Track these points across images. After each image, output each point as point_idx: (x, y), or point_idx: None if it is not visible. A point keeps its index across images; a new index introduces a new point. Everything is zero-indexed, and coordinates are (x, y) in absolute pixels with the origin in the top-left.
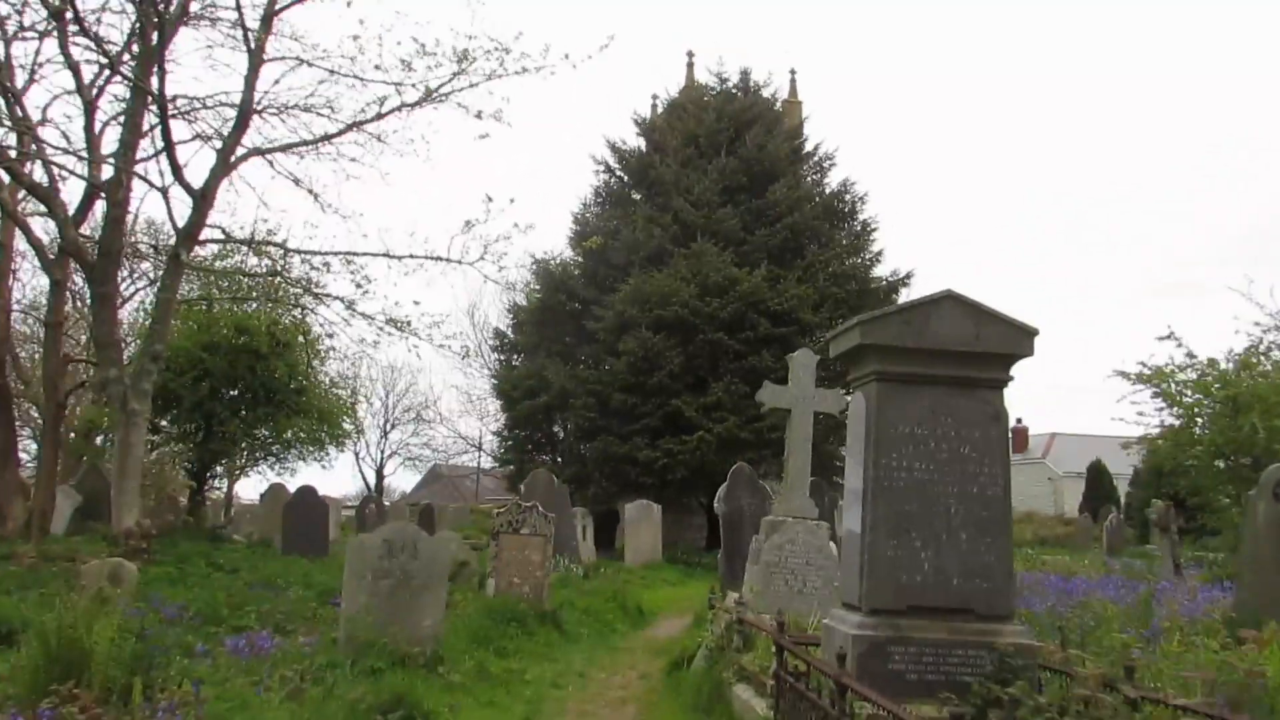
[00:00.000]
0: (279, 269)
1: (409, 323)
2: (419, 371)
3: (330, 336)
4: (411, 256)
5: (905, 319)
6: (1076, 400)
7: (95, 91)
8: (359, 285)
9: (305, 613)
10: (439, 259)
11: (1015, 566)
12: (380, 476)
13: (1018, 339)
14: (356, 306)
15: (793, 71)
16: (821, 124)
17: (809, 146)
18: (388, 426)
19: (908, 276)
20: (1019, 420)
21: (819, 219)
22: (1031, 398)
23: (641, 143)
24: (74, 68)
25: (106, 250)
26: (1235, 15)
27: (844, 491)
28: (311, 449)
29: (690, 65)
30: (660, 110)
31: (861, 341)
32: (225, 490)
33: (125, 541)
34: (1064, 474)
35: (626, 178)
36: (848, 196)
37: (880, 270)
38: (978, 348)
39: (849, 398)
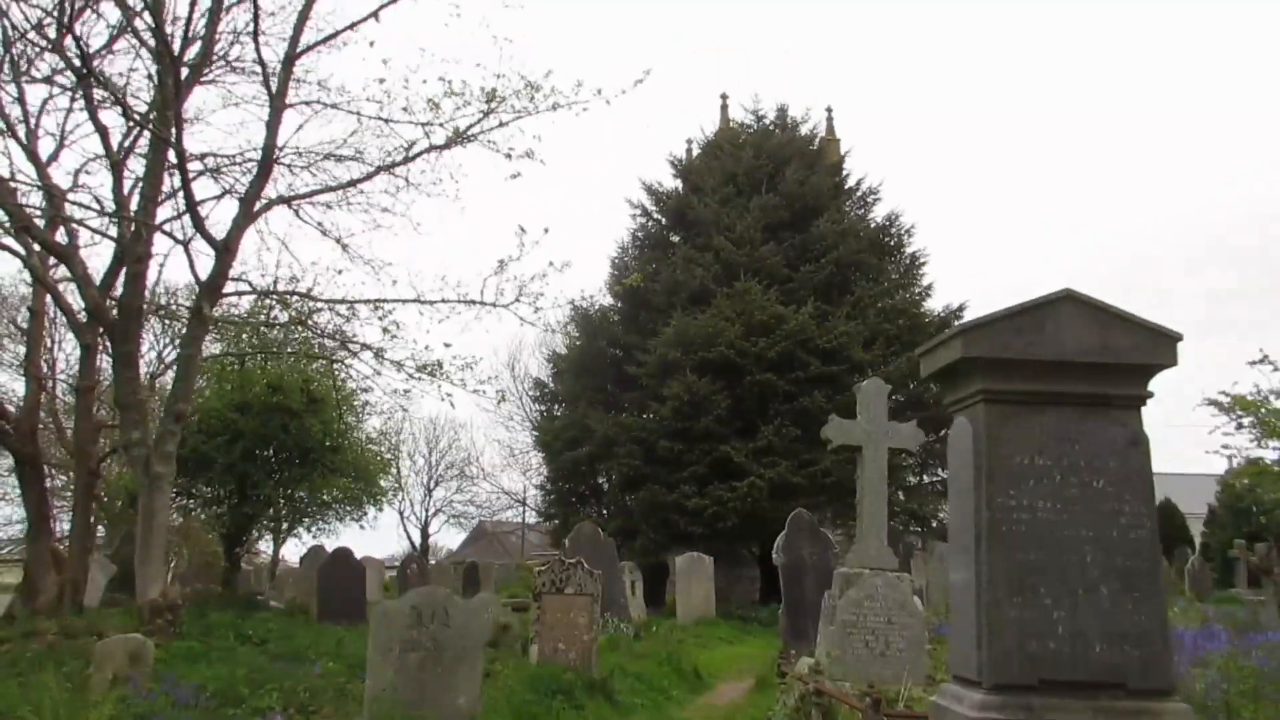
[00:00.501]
0: (304, 318)
1: (440, 365)
2: (461, 427)
3: (365, 391)
4: (444, 301)
5: (1016, 325)
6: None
7: (122, 152)
8: (386, 330)
9: (333, 688)
10: (472, 302)
11: None
12: (425, 535)
13: (1156, 346)
14: (386, 354)
15: (829, 110)
16: (862, 159)
17: (851, 182)
18: (431, 484)
19: (960, 309)
20: None
21: (865, 253)
22: None
23: (678, 184)
24: (102, 130)
25: (127, 308)
26: None
27: (949, 539)
28: (350, 508)
29: (724, 107)
30: (695, 152)
31: (964, 354)
32: (272, 553)
33: (150, 615)
34: None
35: (664, 220)
36: (894, 229)
37: (931, 304)
38: (1107, 358)
39: (936, 429)
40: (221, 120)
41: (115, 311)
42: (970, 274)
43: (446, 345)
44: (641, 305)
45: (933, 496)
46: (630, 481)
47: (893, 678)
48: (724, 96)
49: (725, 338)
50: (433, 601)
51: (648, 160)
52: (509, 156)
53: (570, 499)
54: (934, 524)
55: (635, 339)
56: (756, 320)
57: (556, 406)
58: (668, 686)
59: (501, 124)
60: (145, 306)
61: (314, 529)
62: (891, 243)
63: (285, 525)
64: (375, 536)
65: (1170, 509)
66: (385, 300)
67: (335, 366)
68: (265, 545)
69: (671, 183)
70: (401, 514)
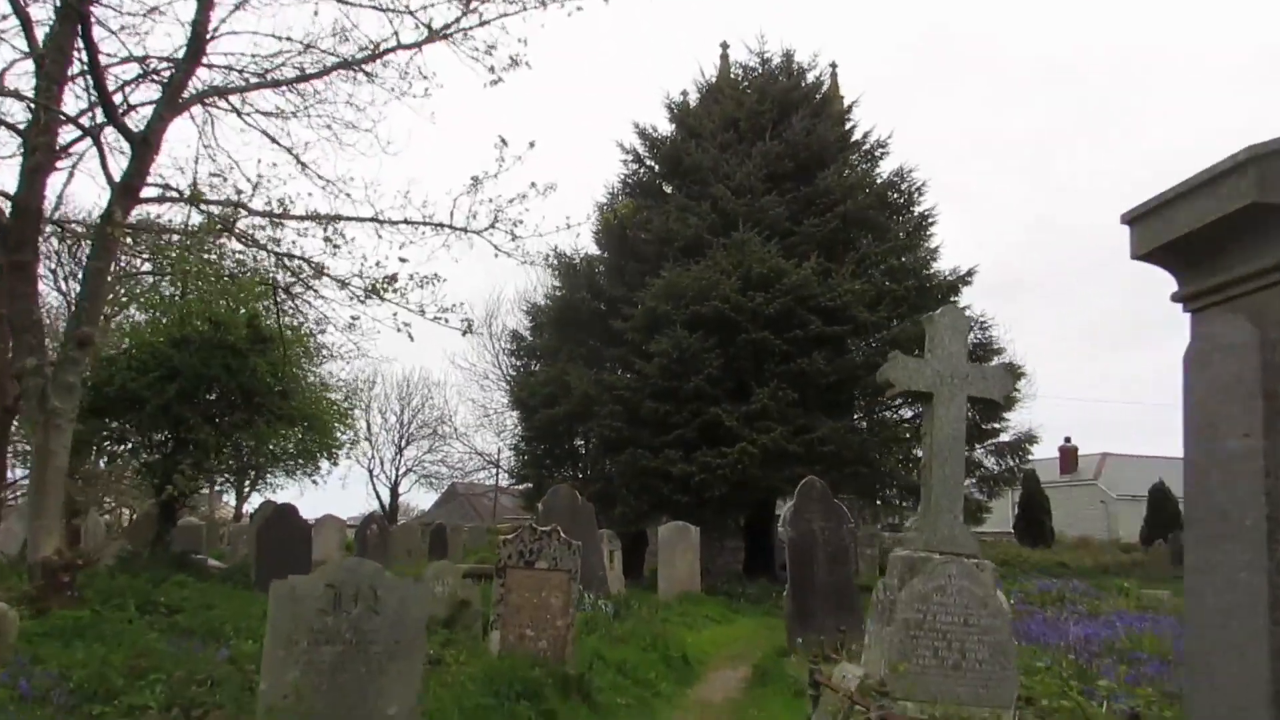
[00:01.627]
0: (228, 224)
1: (394, 280)
2: (435, 385)
3: (320, 331)
4: (406, 222)
5: None
6: (1128, 420)
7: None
8: (329, 240)
9: (238, 681)
10: (441, 225)
11: (1121, 605)
12: (395, 495)
13: None
14: (327, 270)
15: (834, 65)
16: (869, 111)
17: (858, 134)
18: (402, 442)
19: (969, 273)
20: (1067, 439)
21: (873, 209)
22: (1080, 417)
23: (674, 129)
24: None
25: (23, 208)
26: None
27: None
28: (302, 462)
29: (724, 57)
30: (694, 98)
31: (1260, 199)
32: (235, 509)
33: (41, 576)
34: (1118, 497)
35: (658, 167)
36: (903, 185)
37: (940, 266)
38: None
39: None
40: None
41: (9, 212)
42: (978, 241)
43: (402, 260)
44: (630, 255)
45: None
46: (611, 444)
47: (970, 698)
48: (724, 45)
49: (720, 291)
50: (356, 579)
51: (641, 104)
52: (490, 52)
53: (545, 461)
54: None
55: (622, 291)
56: (755, 274)
57: (534, 362)
58: (655, 679)
59: (483, 22)
60: (47, 213)
61: (269, 484)
62: (900, 200)
63: (229, 478)
64: (344, 495)
65: (1164, 492)
66: (335, 218)
67: (281, 300)
68: (231, 500)
69: (667, 127)
70: (371, 472)
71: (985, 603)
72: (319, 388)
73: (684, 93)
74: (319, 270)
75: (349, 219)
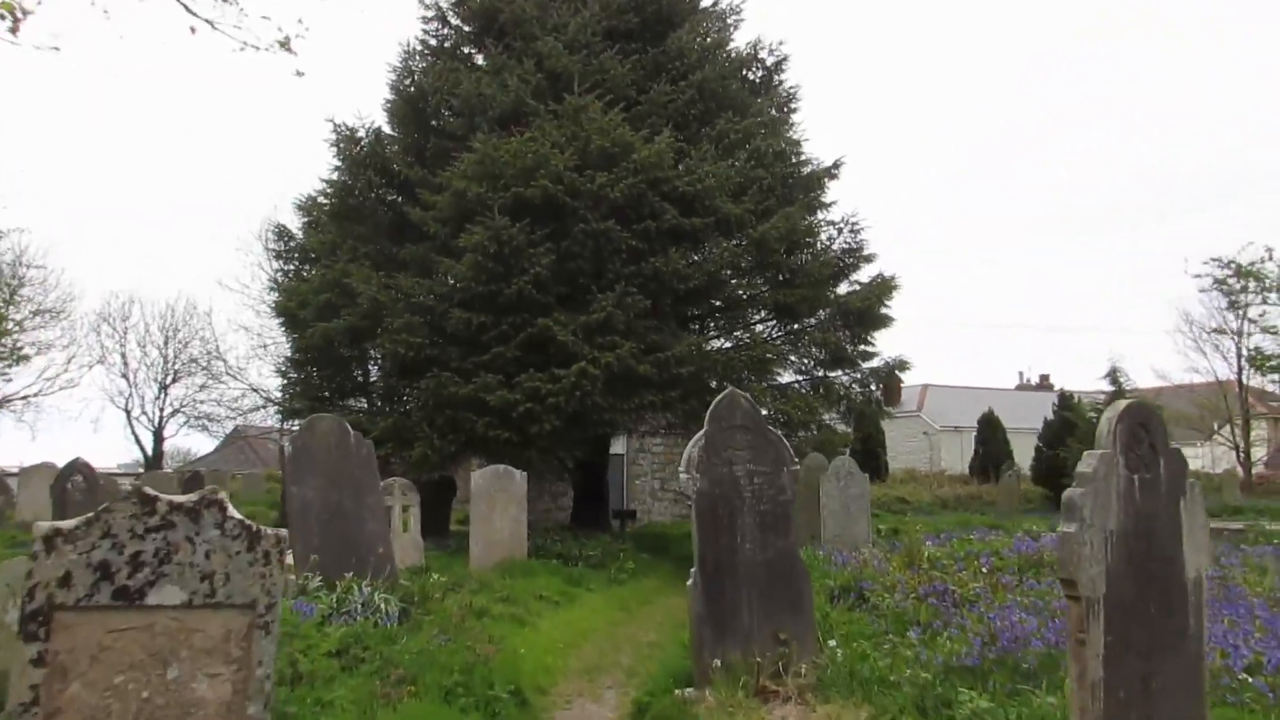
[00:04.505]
0: None
1: None
2: (205, 315)
3: None
4: None
5: None
6: (938, 353)
7: None
8: None
9: None
10: None
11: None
12: (159, 440)
13: None
14: None
15: None
16: None
17: None
18: (166, 379)
19: (836, 165)
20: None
21: (731, 81)
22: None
23: None
24: None
25: None
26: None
27: None
28: None
29: None
30: None
31: None
32: None
33: None
34: (941, 428)
35: (467, 26)
36: (764, 56)
37: (811, 150)
38: None
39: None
40: None
41: None
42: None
43: None
44: (430, 133)
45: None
46: (407, 365)
47: None
48: None
49: (551, 168)
50: None
51: None
52: None
53: (324, 391)
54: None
55: (420, 174)
56: (595, 147)
57: (307, 268)
58: None
59: None
60: None
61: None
62: (761, 75)
63: None
64: (97, 440)
65: (994, 422)
66: None
67: None
68: None
69: None
70: (129, 413)
71: None
72: None
73: None
74: None
75: None
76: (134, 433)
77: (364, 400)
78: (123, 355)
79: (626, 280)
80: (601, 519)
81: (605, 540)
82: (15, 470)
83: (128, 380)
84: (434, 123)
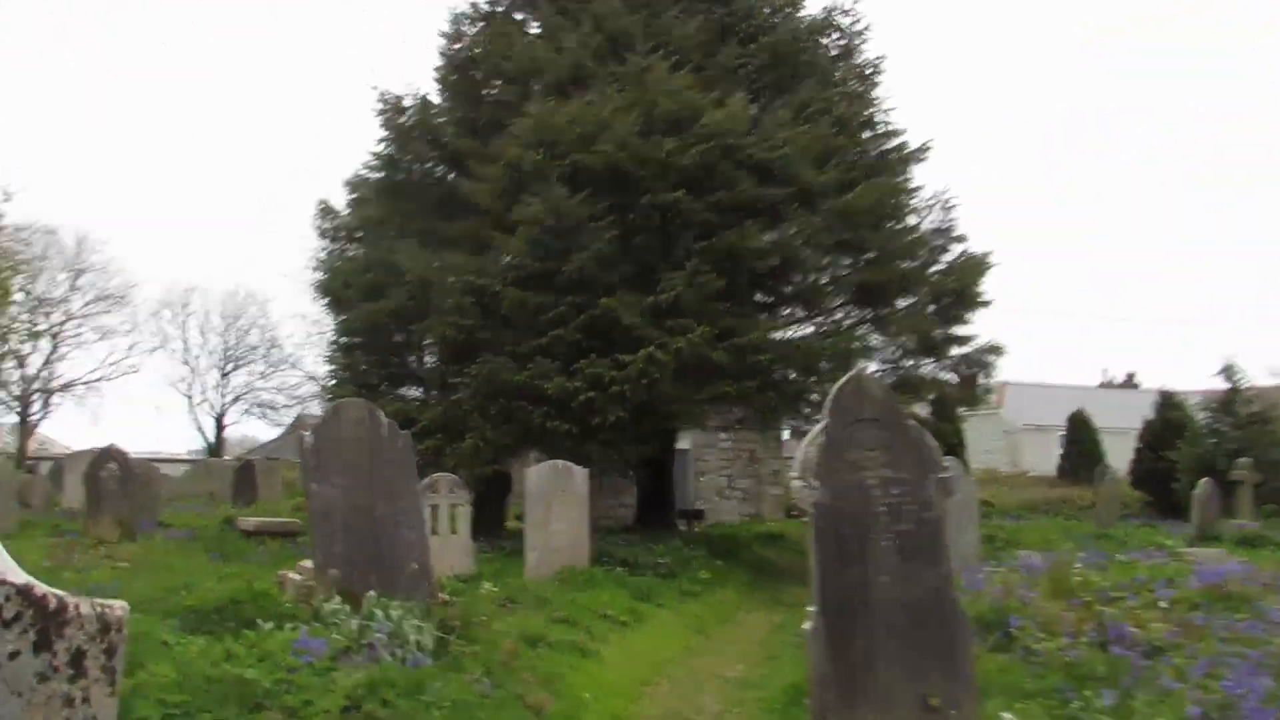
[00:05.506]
0: None
1: None
2: (268, 302)
3: None
4: None
5: None
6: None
7: None
8: None
9: None
10: None
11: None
12: (220, 427)
13: None
14: None
15: None
16: None
17: None
18: (228, 367)
19: (924, 149)
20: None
21: (808, 45)
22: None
23: None
24: None
25: None
26: None
27: None
28: None
29: None
30: None
31: None
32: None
33: None
34: (1022, 427)
35: None
36: (842, 22)
37: (895, 128)
38: None
39: None
40: None
41: None
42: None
43: None
44: (481, 100)
45: None
46: (457, 349)
47: None
48: None
49: (613, 133)
50: None
51: None
52: None
53: (370, 377)
54: None
55: (471, 144)
56: (662, 111)
57: (353, 247)
58: None
59: None
60: None
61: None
62: (839, 45)
63: None
64: (164, 427)
65: (1083, 421)
66: None
67: None
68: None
69: None
70: (191, 400)
71: None
72: None
73: None
74: None
75: None
76: (196, 419)
77: (418, 389)
78: (184, 342)
79: (698, 257)
80: (667, 520)
81: (674, 546)
82: (66, 455)
83: (189, 367)
84: (485, 91)
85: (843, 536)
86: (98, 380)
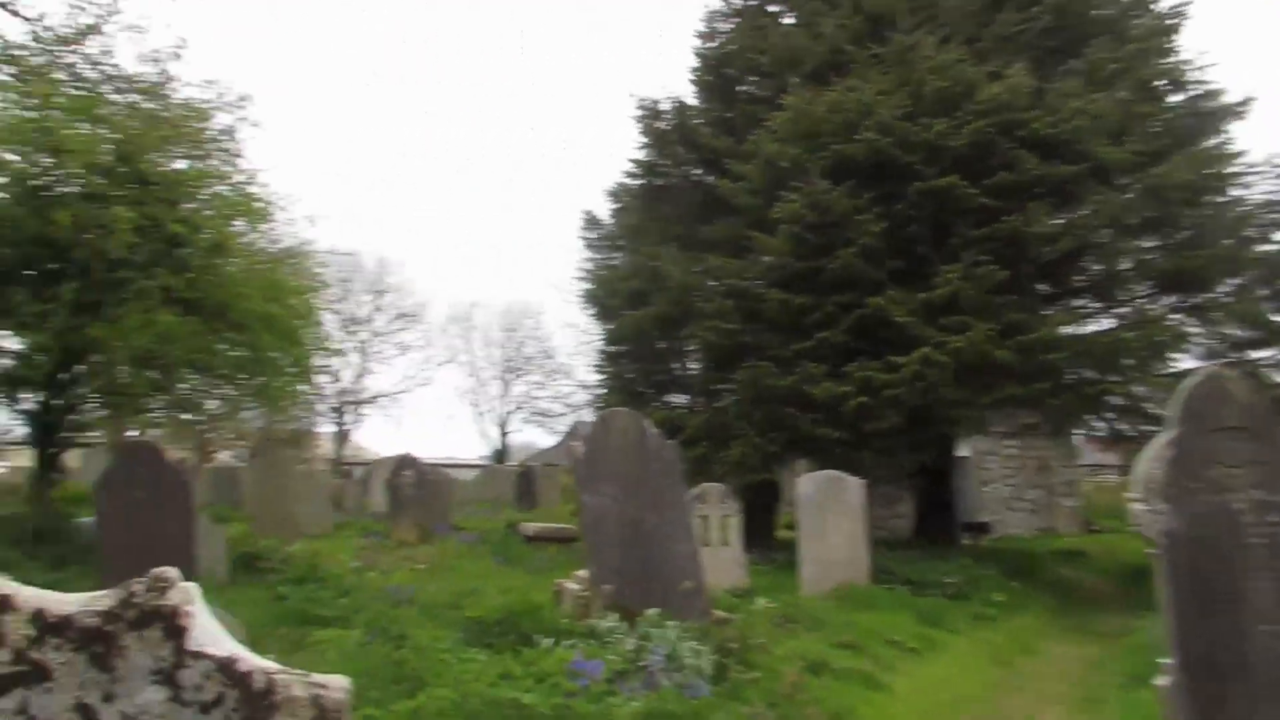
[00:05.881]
0: None
1: None
2: (541, 314)
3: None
4: None
5: None
6: None
7: None
8: None
9: None
10: None
11: None
12: (504, 434)
13: None
14: None
15: None
16: None
17: None
18: (509, 377)
19: (1243, 103)
20: None
21: (1096, 4)
22: None
23: None
24: None
25: None
26: None
27: None
28: (241, 378)
29: None
30: None
31: None
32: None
33: None
34: None
35: None
36: None
37: (1202, 86)
38: None
39: None
40: None
41: None
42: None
43: None
44: (735, 98)
45: None
46: (720, 355)
47: None
48: None
49: (877, 118)
50: None
51: None
52: None
53: (636, 385)
54: None
55: (727, 143)
56: (930, 90)
57: (617, 255)
58: None
59: None
60: None
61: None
62: None
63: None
64: (457, 436)
65: None
66: None
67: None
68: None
69: None
70: (477, 409)
71: None
72: (265, 257)
73: None
74: None
75: None
76: (482, 428)
77: (683, 396)
78: (469, 354)
79: (975, 246)
80: (949, 533)
81: (962, 563)
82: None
83: (475, 378)
84: (739, 87)
85: (1204, 574)
86: (399, 392)
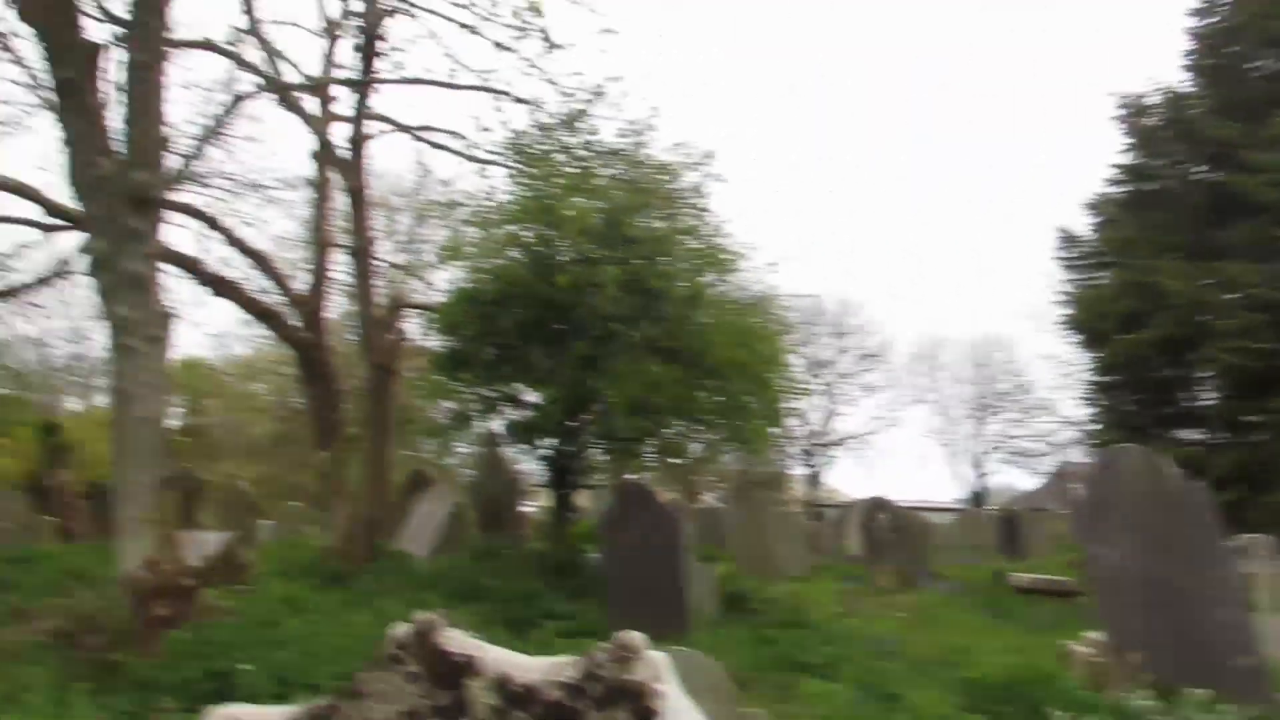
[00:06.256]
0: None
1: None
2: (1014, 346)
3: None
4: None
5: None
6: None
7: None
8: None
9: None
10: None
11: None
12: (980, 476)
13: None
14: None
15: None
16: None
17: None
18: (983, 415)
19: None
20: None
21: None
22: None
23: None
24: None
25: None
26: None
27: None
28: (719, 422)
29: None
30: None
31: None
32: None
33: (136, 605)
34: None
35: None
36: None
37: None
38: None
39: None
40: None
41: None
42: None
43: None
44: (1243, 79)
45: None
46: (1250, 380)
47: None
48: None
49: None
50: None
51: None
52: None
53: (1135, 418)
54: None
55: (1239, 132)
56: None
57: (1101, 274)
58: None
59: None
60: None
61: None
62: None
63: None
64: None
65: None
66: None
67: None
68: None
69: None
70: (948, 450)
71: None
72: (733, 304)
73: None
74: None
75: None
76: (954, 469)
77: (1196, 430)
78: (936, 394)
79: None
80: None
81: None
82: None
83: (944, 417)
84: (1247, 65)
85: None
86: (867, 434)
